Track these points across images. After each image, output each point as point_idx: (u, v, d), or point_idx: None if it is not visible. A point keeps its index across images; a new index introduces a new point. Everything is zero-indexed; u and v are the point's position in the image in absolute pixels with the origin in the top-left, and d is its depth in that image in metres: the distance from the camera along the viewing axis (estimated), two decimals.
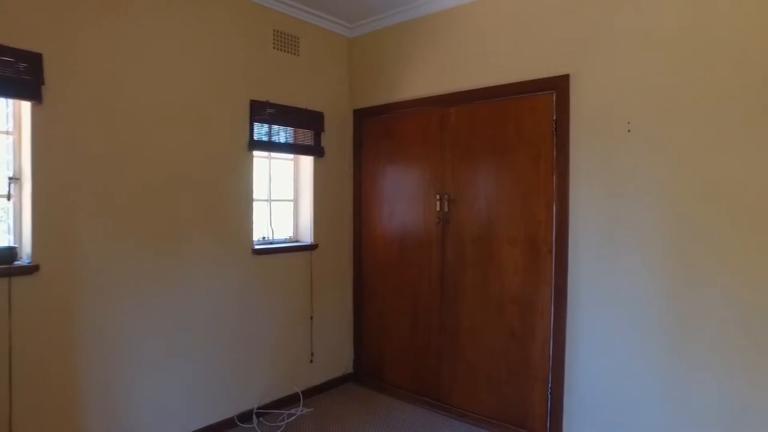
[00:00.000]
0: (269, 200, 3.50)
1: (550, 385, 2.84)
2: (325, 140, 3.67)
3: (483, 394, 3.14)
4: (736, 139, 2.27)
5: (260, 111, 3.20)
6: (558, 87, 2.76)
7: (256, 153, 3.28)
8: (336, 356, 3.83)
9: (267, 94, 3.26)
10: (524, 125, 2.92)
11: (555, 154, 2.80)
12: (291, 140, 3.45)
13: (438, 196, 3.32)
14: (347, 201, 3.89)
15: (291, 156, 3.64)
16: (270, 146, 3.33)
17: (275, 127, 3.33)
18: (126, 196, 2.60)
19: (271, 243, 3.47)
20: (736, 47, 2.26)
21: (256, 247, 3.26)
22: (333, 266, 3.79)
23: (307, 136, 3.55)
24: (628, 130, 2.55)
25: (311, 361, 3.60)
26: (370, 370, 3.84)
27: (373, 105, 3.73)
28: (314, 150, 3.60)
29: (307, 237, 3.65)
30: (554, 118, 2.79)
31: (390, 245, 3.65)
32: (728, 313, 2.30)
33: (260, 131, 3.24)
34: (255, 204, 3.27)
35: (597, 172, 2.66)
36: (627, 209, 2.57)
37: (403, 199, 3.55)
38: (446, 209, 3.28)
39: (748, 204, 2.25)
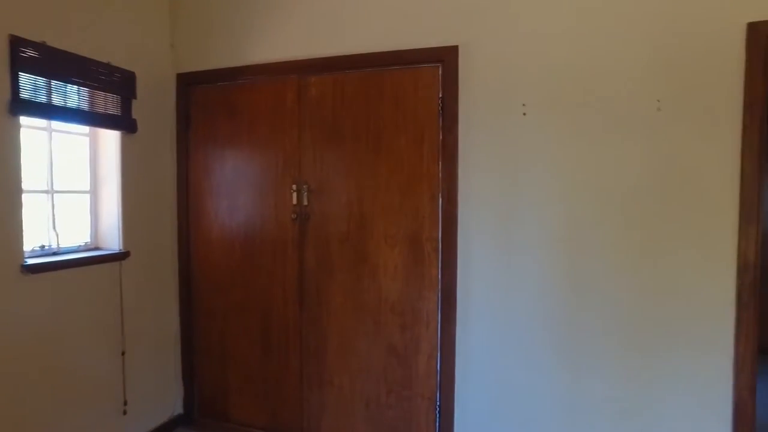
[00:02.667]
0: (50, 191, 2.41)
1: (438, 404, 2.47)
2: (139, 111, 2.70)
3: (360, 422, 2.62)
4: (633, 134, 2.16)
5: (29, 55, 2.13)
6: (445, 59, 2.37)
7: (25, 120, 2.19)
8: (159, 397, 2.91)
9: (43, 32, 2.19)
10: (405, 102, 2.47)
11: (441, 137, 2.41)
12: (86, 106, 2.42)
13: (295, 187, 2.67)
14: (169, 192, 2.96)
15: (86, 129, 2.59)
16: (50, 111, 2.26)
17: (58, 83, 2.27)
18: None
19: (56, 253, 2.40)
20: (638, 32, 2.14)
21: (30, 261, 2.19)
22: (151, 280, 2.85)
23: (111, 103, 2.54)
24: (524, 113, 2.28)
25: (125, 412, 2.63)
26: (208, 408, 3.00)
27: (206, 69, 2.87)
28: (122, 122, 2.61)
29: (112, 242, 2.65)
30: (441, 95, 2.40)
31: (231, 249, 2.87)
32: (617, 317, 2.20)
33: (31, 86, 2.16)
34: (26, 197, 2.18)
35: (490, 159, 2.34)
36: (523, 203, 2.31)
37: (248, 189, 2.80)
38: (305, 202, 2.66)
39: (642, 205, 2.16)
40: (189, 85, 2.92)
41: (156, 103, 2.84)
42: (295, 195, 2.68)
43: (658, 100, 2.13)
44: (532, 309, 2.31)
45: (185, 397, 3.03)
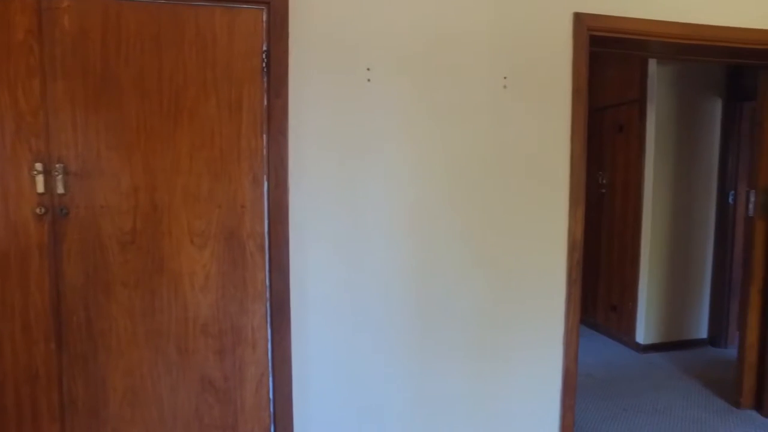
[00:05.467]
0: None
1: None
2: None
3: None
4: (481, 110, 2.01)
5: None
6: (272, 1, 1.82)
7: None
8: None
9: None
10: (217, 52, 1.82)
11: (267, 102, 1.87)
12: None
13: (39, 167, 1.76)
14: None
15: None
16: None
17: None
18: None
19: None
20: (485, 4, 1.98)
21: None
22: None
23: None
24: (369, 79, 1.92)
25: None
26: None
27: None
28: None
29: None
30: (265, 47, 1.84)
31: None
32: (463, 300, 2.09)
33: None
34: None
35: (330, 132, 1.92)
36: (369, 186, 1.96)
37: None
38: (61, 190, 1.78)
39: (488, 186, 2.05)
40: None
41: None
42: (40, 179, 1.76)
43: (505, 77, 2.03)
44: (381, 307, 2.01)
45: None
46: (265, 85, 1.85)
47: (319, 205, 1.94)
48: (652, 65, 3.93)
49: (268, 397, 1.96)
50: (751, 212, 3.07)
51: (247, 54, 1.84)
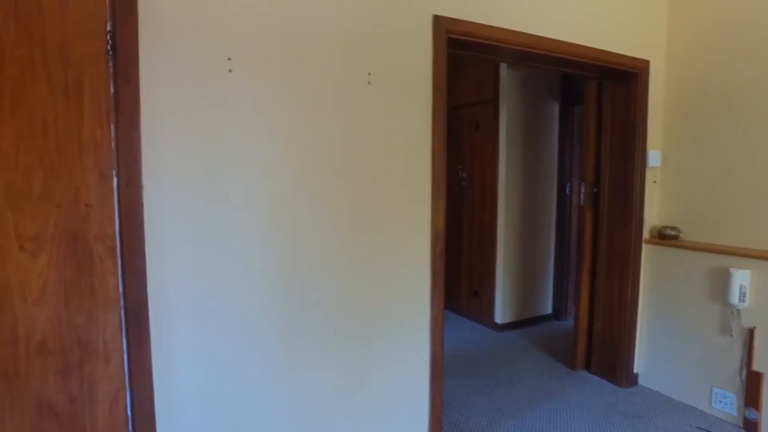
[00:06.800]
0: None
1: None
2: None
3: None
4: (347, 105, 2.03)
5: None
6: None
7: None
8: None
9: None
10: (45, 29, 1.58)
11: (114, 88, 1.67)
12: None
13: None
14: None
15: None
16: None
17: None
18: None
19: None
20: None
21: None
22: None
23: None
24: (230, 70, 1.82)
25: None
26: None
27: None
28: None
29: None
30: (110, 27, 1.65)
31: None
32: (334, 294, 2.11)
33: None
34: None
35: (190, 125, 1.78)
36: (234, 181, 1.86)
37: None
38: None
39: (355, 181, 2.08)
40: None
41: None
42: None
43: (369, 73, 2.07)
44: (248, 307, 1.93)
45: None
46: (112, 68, 1.66)
47: (178, 203, 1.80)
48: (504, 69, 4.32)
49: (126, 415, 1.77)
50: (582, 201, 3.55)
51: (88, 34, 1.62)
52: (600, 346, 3.45)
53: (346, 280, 2.11)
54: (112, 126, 1.68)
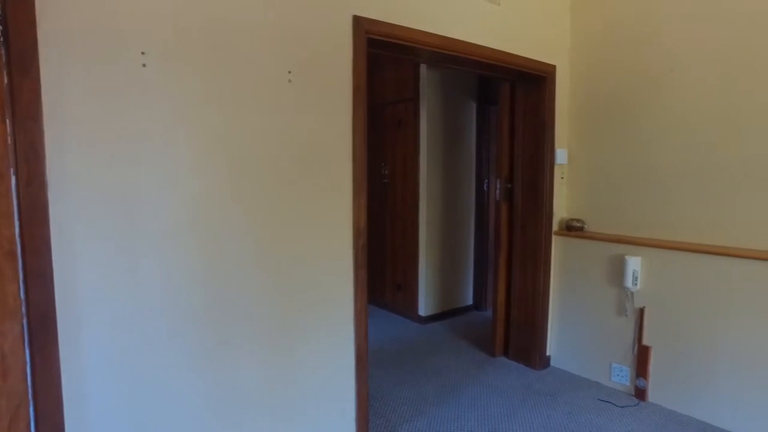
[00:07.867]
0: None
1: None
2: None
3: None
4: (268, 103, 2.01)
5: None
6: None
7: None
8: None
9: None
10: None
11: (8, 81, 1.55)
12: None
13: None
14: None
15: None
16: None
17: None
18: None
19: None
20: None
21: None
22: None
23: None
24: (144, 64, 1.74)
25: None
26: None
27: None
28: None
29: None
30: (1, 12, 1.52)
31: None
32: (256, 294, 2.10)
33: None
34: None
35: (99, 123, 1.68)
36: (149, 181, 1.79)
37: None
38: None
39: (277, 180, 2.07)
40: None
41: None
42: None
43: (290, 71, 2.07)
44: (168, 310, 1.86)
45: None
46: (5, 59, 1.54)
47: (89, 203, 1.69)
48: (423, 69, 4.46)
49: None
50: (498, 197, 3.76)
51: None
52: (516, 332, 3.69)
53: (266, 279, 2.09)
54: (7, 120, 1.56)
